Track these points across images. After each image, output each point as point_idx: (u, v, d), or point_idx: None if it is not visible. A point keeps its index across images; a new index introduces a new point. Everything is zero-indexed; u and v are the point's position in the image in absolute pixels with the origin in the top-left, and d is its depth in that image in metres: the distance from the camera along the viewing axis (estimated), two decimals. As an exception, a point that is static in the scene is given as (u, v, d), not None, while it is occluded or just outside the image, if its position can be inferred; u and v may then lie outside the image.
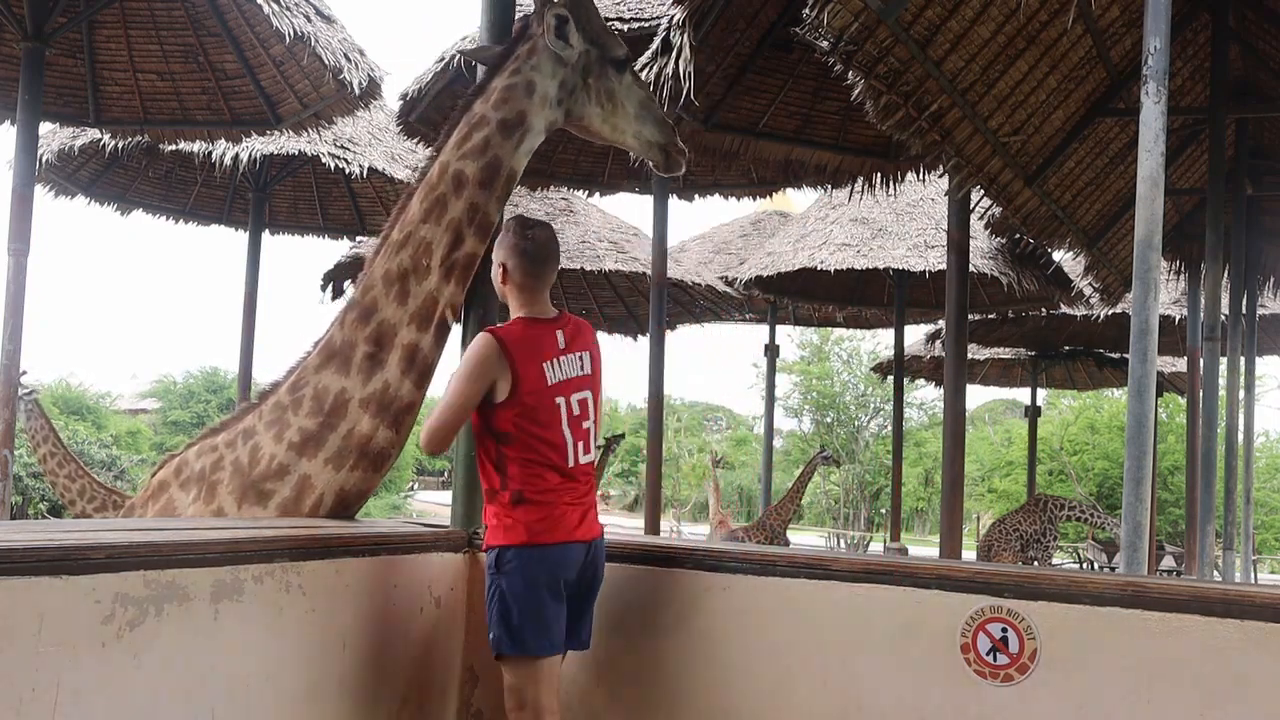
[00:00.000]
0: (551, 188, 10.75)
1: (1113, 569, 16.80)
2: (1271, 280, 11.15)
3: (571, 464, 2.78)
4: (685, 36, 6.12)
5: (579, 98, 3.30)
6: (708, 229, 18.87)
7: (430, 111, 8.56)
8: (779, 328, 16.69)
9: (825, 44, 5.23)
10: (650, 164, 3.44)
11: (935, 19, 5.58)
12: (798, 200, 18.08)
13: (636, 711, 2.97)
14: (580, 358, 2.86)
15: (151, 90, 8.49)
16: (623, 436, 15.38)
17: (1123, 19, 6.61)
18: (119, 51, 8.20)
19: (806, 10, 5.05)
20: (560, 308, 2.99)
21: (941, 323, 14.32)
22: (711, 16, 6.69)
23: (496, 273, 2.96)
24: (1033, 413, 18.80)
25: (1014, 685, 2.49)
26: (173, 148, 9.47)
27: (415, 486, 37.78)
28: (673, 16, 6.29)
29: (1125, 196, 8.65)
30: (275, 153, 10.16)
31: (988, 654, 2.52)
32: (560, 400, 2.79)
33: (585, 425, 2.82)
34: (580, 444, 2.81)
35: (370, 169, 10.35)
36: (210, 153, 9.69)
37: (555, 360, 2.81)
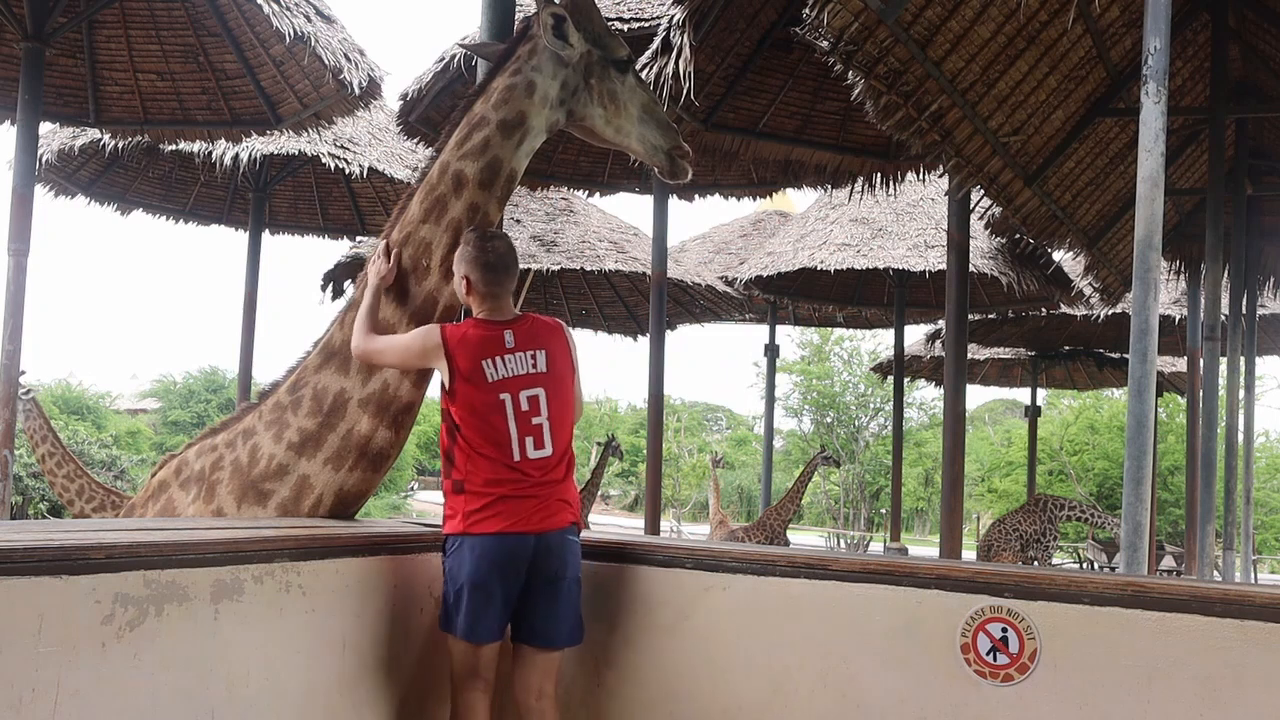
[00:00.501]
0: (551, 188, 10.75)
1: (1113, 569, 16.80)
2: (1271, 280, 11.16)
3: (517, 458, 2.81)
4: (685, 36, 6.12)
5: (581, 98, 3.29)
6: (708, 229, 18.89)
7: (430, 111, 8.57)
8: (779, 328, 16.70)
9: (825, 44, 5.23)
10: (655, 170, 3.42)
11: (935, 19, 5.58)
12: (798, 200, 18.10)
13: (636, 711, 2.97)
14: (531, 355, 2.88)
15: (151, 90, 8.49)
16: (620, 453, 15.37)
17: (1123, 19, 6.61)
18: (119, 51, 8.20)
19: (806, 10, 5.05)
20: (527, 310, 3.02)
21: (941, 323, 14.33)
22: (711, 16, 6.69)
23: (460, 285, 2.99)
24: (1033, 413, 18.82)
25: (1014, 685, 2.49)
26: (173, 148, 9.48)
27: (415, 486, 37.77)
28: (673, 16, 6.29)
29: (1125, 196, 8.65)
30: (275, 153, 10.17)
31: (988, 654, 2.52)
32: (505, 396, 2.83)
33: (536, 421, 2.84)
34: (530, 439, 2.83)
35: (370, 169, 10.36)
36: (210, 153, 9.70)
37: (498, 358, 2.85)
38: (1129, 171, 8.20)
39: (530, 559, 2.80)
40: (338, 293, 12.16)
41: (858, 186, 8.83)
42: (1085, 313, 12.84)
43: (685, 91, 6.11)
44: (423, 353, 2.93)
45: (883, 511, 32.08)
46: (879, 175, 8.74)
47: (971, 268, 9.95)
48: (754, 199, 12.01)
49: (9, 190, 6.60)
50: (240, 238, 11.78)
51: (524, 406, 2.83)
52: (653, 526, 8.49)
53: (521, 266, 12.14)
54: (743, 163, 8.95)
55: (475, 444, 2.81)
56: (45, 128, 9.22)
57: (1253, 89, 8.50)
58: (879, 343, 30.00)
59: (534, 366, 2.88)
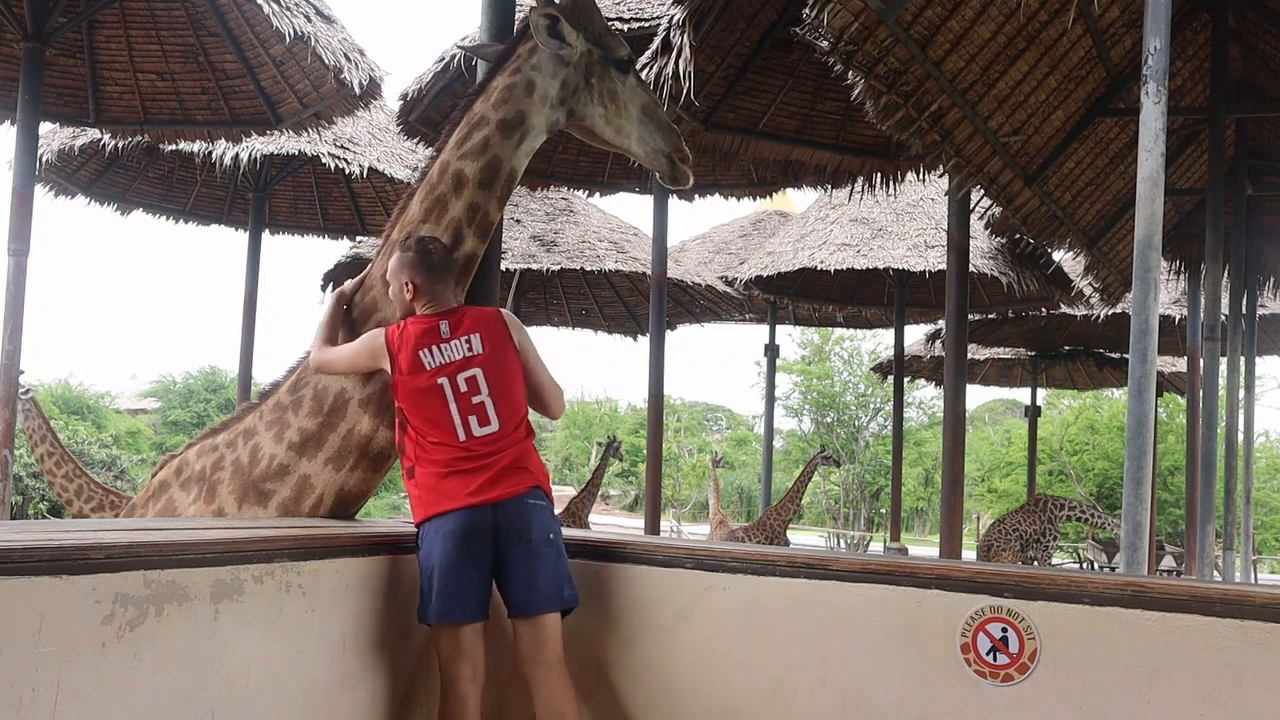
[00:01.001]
0: (551, 188, 10.75)
1: (1113, 569, 16.80)
2: (1271, 280, 11.15)
3: (464, 438, 2.87)
4: (685, 36, 6.12)
5: (581, 98, 3.30)
6: (708, 229, 18.89)
7: (430, 111, 8.57)
8: (779, 328, 16.70)
9: (825, 44, 5.23)
10: (656, 174, 3.44)
11: (935, 19, 5.58)
12: (798, 200, 18.10)
13: (636, 711, 2.97)
14: (466, 341, 2.96)
15: (151, 90, 8.49)
16: (620, 454, 15.37)
17: (1123, 19, 6.61)
18: (119, 51, 8.20)
19: (806, 10, 5.05)
20: (526, 310, 3.06)
21: (941, 323, 14.33)
22: (711, 16, 6.69)
23: (405, 291, 3.04)
24: (1033, 413, 18.81)
25: (1014, 685, 2.49)
26: (173, 148, 9.48)
27: (415, 486, 37.66)
28: (673, 16, 6.29)
29: (1125, 196, 8.65)
30: (275, 153, 10.17)
31: (988, 654, 2.52)
32: (443, 380, 2.91)
33: (477, 400, 2.91)
34: (473, 417, 2.90)
35: (370, 169, 10.36)
36: (210, 153, 9.70)
37: (434, 347, 2.94)
38: (1129, 171, 8.20)
39: (493, 528, 2.82)
40: (337, 293, 12.15)
41: (858, 186, 8.83)
42: (1085, 313, 12.84)
43: (685, 91, 6.11)
44: (370, 354, 3.04)
45: (883, 511, 32.07)
46: (879, 175, 8.74)
47: (971, 268, 9.95)
48: (754, 199, 12.01)
49: (9, 190, 6.60)
50: (240, 238, 11.79)
51: (463, 388, 2.91)
52: (653, 526, 8.49)
53: (521, 266, 12.06)
54: (743, 163, 8.95)
55: (422, 430, 2.90)
56: (45, 128, 9.22)
57: (1253, 89, 8.50)
58: (879, 343, 30.03)
59: (469, 350, 2.95)
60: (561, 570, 2.88)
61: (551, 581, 2.84)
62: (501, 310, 3.12)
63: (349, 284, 3.38)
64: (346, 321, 3.31)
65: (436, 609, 2.78)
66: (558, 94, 3.25)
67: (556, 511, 3.02)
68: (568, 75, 3.26)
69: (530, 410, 3.11)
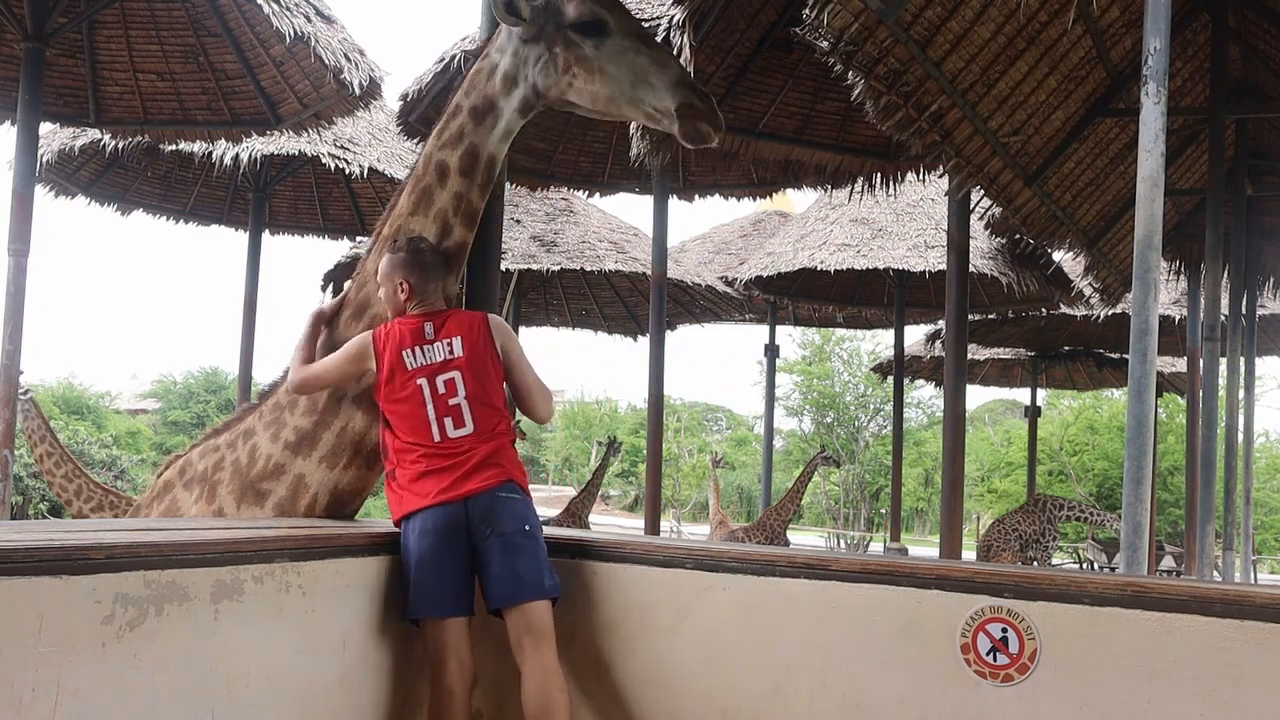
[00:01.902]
0: (551, 188, 10.75)
1: (1113, 569, 16.80)
2: (1271, 280, 11.15)
3: (438, 439, 2.92)
4: (685, 36, 6.13)
5: (546, 70, 3.12)
6: (708, 229, 18.89)
7: (430, 111, 8.55)
8: (779, 328, 16.70)
9: (825, 44, 5.23)
10: (677, 136, 3.03)
11: (935, 19, 5.58)
12: (798, 200, 18.11)
13: (637, 711, 2.97)
14: (448, 343, 2.99)
15: (151, 90, 8.50)
16: (619, 450, 15.35)
17: (1123, 19, 6.61)
18: (119, 51, 8.21)
19: (806, 10, 5.06)
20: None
21: (941, 323, 14.33)
22: (711, 16, 6.70)
23: (399, 291, 3.05)
24: (1033, 413, 18.81)
25: (1014, 685, 2.49)
26: (173, 148, 9.48)
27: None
28: (673, 16, 6.29)
29: (1125, 196, 8.65)
30: (275, 153, 10.18)
31: (988, 654, 2.52)
32: (422, 381, 2.95)
33: (453, 402, 2.94)
34: (449, 419, 2.94)
35: (370, 169, 10.38)
36: (210, 153, 9.71)
37: (417, 348, 2.99)
38: (1129, 171, 8.20)
39: (466, 524, 2.85)
40: (338, 293, 12.12)
41: (858, 186, 8.83)
42: (1085, 313, 12.84)
43: (685, 91, 6.10)
44: (359, 356, 3.06)
45: (883, 511, 32.06)
46: (879, 175, 8.74)
47: (971, 268, 9.94)
48: (754, 199, 12.01)
49: (9, 190, 6.60)
50: (240, 238, 11.80)
51: (440, 390, 2.95)
52: (653, 526, 8.49)
53: (521, 266, 12.04)
54: (743, 163, 8.95)
55: (401, 431, 2.95)
56: (45, 128, 9.22)
57: (1253, 89, 8.50)
58: (879, 343, 30.01)
59: (450, 353, 2.99)
60: (541, 560, 2.89)
61: (531, 571, 2.85)
62: (488, 314, 3.12)
63: (328, 305, 3.39)
64: (338, 322, 3.31)
65: (416, 604, 2.82)
66: (519, 71, 3.15)
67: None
68: (529, 51, 3.13)
69: (523, 414, 3.12)
